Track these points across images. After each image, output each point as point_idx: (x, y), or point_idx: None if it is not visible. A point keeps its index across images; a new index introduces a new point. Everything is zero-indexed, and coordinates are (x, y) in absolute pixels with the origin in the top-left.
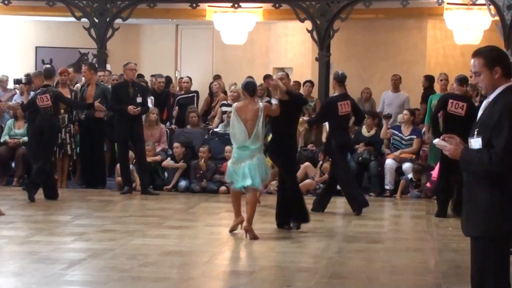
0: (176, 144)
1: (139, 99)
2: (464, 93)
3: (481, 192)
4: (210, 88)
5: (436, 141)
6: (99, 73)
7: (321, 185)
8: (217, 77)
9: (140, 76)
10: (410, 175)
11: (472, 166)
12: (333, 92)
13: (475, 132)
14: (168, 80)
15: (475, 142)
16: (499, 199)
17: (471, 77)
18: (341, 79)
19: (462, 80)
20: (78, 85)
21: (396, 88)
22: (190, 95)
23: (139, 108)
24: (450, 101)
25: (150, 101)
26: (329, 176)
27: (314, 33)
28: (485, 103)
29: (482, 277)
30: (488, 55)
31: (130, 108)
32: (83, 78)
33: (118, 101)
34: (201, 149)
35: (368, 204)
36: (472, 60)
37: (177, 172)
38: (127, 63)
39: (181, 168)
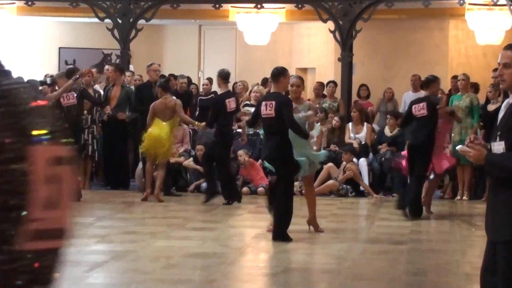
0: (199, 147)
1: None
2: None
3: (508, 196)
4: (233, 88)
5: (459, 147)
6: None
7: (344, 185)
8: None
9: (163, 77)
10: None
11: (496, 171)
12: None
13: (497, 136)
14: (188, 80)
15: (498, 146)
16: None
17: (493, 77)
18: (225, 76)
19: None
20: (97, 86)
21: (415, 88)
22: (209, 97)
23: None
24: None
25: None
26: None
27: (337, 34)
28: (505, 103)
29: (509, 281)
30: None
31: None
32: (105, 78)
33: (142, 102)
34: None
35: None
36: (504, 51)
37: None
38: (151, 64)
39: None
